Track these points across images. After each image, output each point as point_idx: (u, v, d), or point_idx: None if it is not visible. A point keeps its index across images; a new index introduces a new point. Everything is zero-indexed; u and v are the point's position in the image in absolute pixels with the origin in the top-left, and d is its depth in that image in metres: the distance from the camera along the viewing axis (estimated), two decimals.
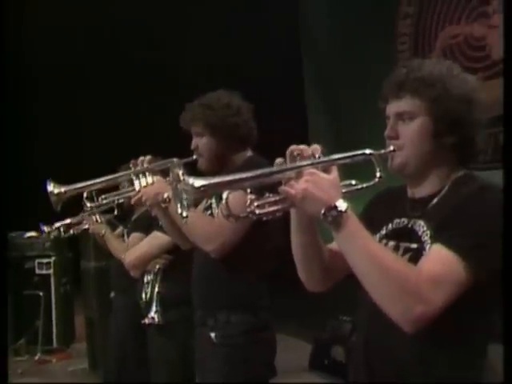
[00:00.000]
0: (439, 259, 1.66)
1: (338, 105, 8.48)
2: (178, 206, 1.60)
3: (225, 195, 1.66)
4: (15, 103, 9.75)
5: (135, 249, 3.69)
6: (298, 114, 9.07)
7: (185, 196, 1.57)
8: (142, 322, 3.61)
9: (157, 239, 3.56)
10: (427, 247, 1.74)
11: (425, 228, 1.79)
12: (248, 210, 1.67)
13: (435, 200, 1.83)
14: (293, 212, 1.81)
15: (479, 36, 6.43)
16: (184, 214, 1.59)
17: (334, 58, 8.53)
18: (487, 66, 6.24)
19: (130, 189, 2.93)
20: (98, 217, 3.90)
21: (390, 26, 7.57)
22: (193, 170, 2.80)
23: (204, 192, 1.58)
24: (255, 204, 1.67)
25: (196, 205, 2.74)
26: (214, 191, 1.68)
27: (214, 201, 2.85)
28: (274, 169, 1.68)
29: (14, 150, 10.12)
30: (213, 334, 2.78)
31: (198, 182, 1.55)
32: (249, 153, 2.93)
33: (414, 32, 7.31)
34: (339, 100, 8.42)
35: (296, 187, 1.63)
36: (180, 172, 1.57)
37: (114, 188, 3.13)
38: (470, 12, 6.56)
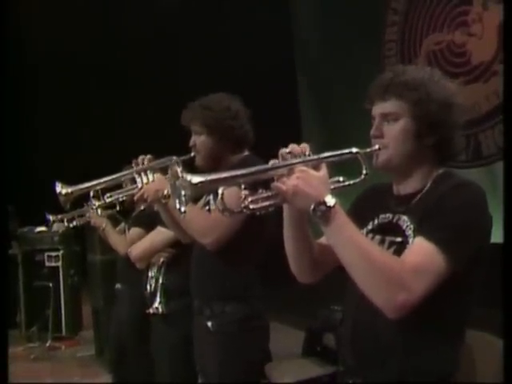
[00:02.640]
0: (421, 251, 1.67)
1: (329, 107, 8.48)
2: (177, 201, 1.60)
3: (220, 191, 1.65)
4: (18, 105, 9.74)
5: (141, 243, 3.69)
6: (292, 115, 9.06)
7: (183, 192, 1.57)
8: (147, 311, 3.61)
9: (160, 234, 3.55)
10: (410, 241, 1.76)
11: (408, 223, 1.81)
12: (242, 205, 1.67)
13: (418, 196, 1.85)
14: (285, 207, 1.82)
15: (460, 43, 6.47)
16: (182, 210, 1.59)
17: (326, 63, 8.53)
18: (467, 71, 6.27)
19: (133, 186, 2.93)
20: (99, 211, 3.88)
21: (377, 32, 7.59)
22: (191, 166, 2.82)
23: (201, 188, 1.58)
24: (249, 199, 1.67)
25: (195, 201, 2.74)
26: (211, 187, 1.67)
27: (211, 197, 2.85)
28: (267, 166, 1.68)
29: (24, 150, 10.15)
30: (209, 323, 2.78)
31: (196, 179, 1.55)
32: (245, 153, 2.93)
33: (401, 39, 7.34)
34: (330, 102, 8.42)
35: (287, 183, 1.64)
36: (178, 169, 1.57)
37: (117, 186, 3.13)
38: (451, 21, 6.59)
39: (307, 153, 1.69)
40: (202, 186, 1.57)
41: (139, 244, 3.68)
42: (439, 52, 6.73)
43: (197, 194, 1.59)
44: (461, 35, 6.43)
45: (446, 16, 6.63)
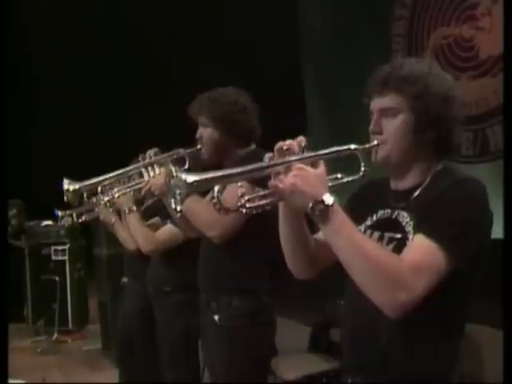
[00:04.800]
0: (420, 249, 1.66)
1: (334, 102, 8.48)
2: (172, 200, 1.59)
3: (216, 189, 1.64)
4: (25, 99, 9.77)
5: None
6: (298, 111, 9.06)
7: (178, 191, 1.56)
8: None
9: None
10: (410, 237, 1.74)
11: (408, 219, 1.79)
12: (239, 203, 1.67)
13: (417, 192, 1.83)
14: (280, 205, 1.80)
15: (468, 37, 6.44)
16: (178, 209, 1.58)
17: (332, 56, 8.53)
18: (475, 65, 6.24)
19: (140, 181, 2.96)
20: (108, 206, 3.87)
21: (385, 27, 7.57)
22: (198, 159, 2.86)
23: (196, 187, 1.57)
24: (246, 198, 1.66)
25: (203, 194, 2.76)
26: (207, 186, 1.66)
27: None
28: (264, 164, 1.66)
29: (31, 145, 10.18)
30: (216, 317, 2.79)
31: (191, 178, 1.54)
32: (252, 147, 2.93)
33: (408, 33, 7.31)
34: (336, 98, 8.42)
35: (285, 182, 1.62)
36: (173, 168, 1.56)
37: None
38: (459, 15, 6.57)
39: (303, 144, 1.67)
40: (197, 185, 1.55)
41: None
42: (447, 46, 6.70)
43: (192, 193, 1.59)
44: (469, 29, 6.39)
45: (454, 10, 6.60)
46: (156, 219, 3.82)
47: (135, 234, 3.65)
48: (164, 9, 9.26)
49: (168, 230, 3.58)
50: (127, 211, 3.63)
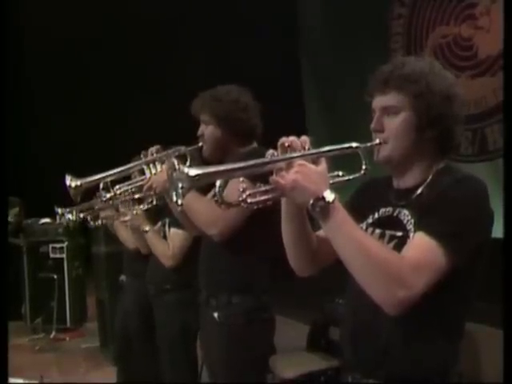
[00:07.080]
0: (421, 246, 1.66)
1: (333, 101, 8.49)
2: (174, 193, 1.58)
3: (218, 183, 1.65)
4: (26, 96, 9.75)
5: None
6: (297, 109, 9.07)
7: (180, 184, 1.56)
8: None
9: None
10: (411, 235, 1.75)
11: (409, 217, 1.80)
12: (240, 198, 1.67)
13: (419, 190, 1.84)
14: (283, 201, 1.81)
15: (467, 36, 6.46)
16: (179, 202, 1.57)
17: (331, 56, 8.54)
18: (474, 64, 6.26)
19: (142, 178, 2.96)
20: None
21: (384, 26, 7.58)
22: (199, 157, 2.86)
23: (198, 181, 1.56)
24: (247, 193, 1.67)
25: (205, 192, 2.76)
26: (209, 180, 1.65)
27: None
28: (266, 159, 1.66)
29: (30, 142, 10.16)
30: (216, 314, 2.79)
31: (193, 171, 1.53)
32: (254, 145, 2.94)
33: (407, 32, 7.33)
34: (335, 96, 8.42)
35: (286, 178, 1.62)
36: (175, 161, 1.56)
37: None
38: (458, 14, 6.58)
39: (307, 147, 1.67)
40: (199, 178, 1.55)
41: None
42: (446, 45, 6.71)
43: (194, 187, 1.58)
44: (468, 28, 6.41)
45: (453, 9, 6.62)
46: (159, 225, 3.84)
47: (155, 253, 3.70)
48: (165, 7, 9.25)
49: (176, 237, 3.59)
50: (144, 232, 3.68)
